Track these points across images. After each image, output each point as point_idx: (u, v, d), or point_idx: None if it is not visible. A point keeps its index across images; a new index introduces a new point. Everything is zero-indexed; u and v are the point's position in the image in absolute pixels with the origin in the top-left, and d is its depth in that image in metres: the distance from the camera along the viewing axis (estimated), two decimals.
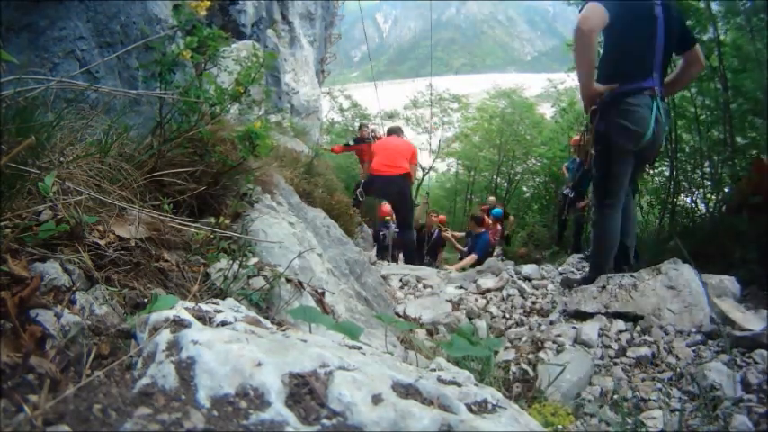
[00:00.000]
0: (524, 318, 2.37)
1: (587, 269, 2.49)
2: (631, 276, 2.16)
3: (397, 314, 2.29)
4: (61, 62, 1.55)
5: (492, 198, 10.13)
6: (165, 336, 0.55)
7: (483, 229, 6.17)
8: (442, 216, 8.25)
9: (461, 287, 2.87)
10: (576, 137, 5.93)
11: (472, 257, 5.38)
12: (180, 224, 1.07)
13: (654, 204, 5.91)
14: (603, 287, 2.18)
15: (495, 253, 6.37)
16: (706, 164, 4.92)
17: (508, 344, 2.02)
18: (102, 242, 0.85)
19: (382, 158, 4.53)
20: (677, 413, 1.34)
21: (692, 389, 1.48)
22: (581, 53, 2.10)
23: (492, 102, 14.96)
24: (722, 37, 4.57)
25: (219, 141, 1.50)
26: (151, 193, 1.22)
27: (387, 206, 5.62)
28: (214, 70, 1.49)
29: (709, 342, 1.74)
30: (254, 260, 1.32)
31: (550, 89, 11.51)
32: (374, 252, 5.45)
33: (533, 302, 2.55)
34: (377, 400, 0.48)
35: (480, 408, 0.57)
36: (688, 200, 5.19)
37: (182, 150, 1.38)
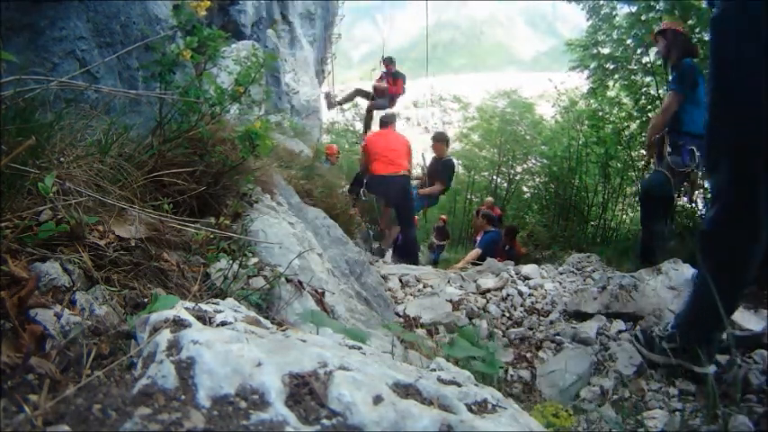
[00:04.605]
0: (524, 317, 2.37)
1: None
2: (632, 277, 2.16)
3: (397, 314, 2.29)
4: (61, 62, 1.55)
5: (489, 198, 10.10)
6: (164, 336, 0.55)
7: (492, 228, 6.18)
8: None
9: (461, 287, 2.87)
10: None
11: (476, 252, 5.36)
12: (180, 224, 1.06)
13: None
14: (604, 287, 2.18)
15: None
16: None
17: (508, 344, 2.02)
18: (101, 242, 0.85)
19: (383, 158, 4.51)
20: (677, 413, 1.34)
21: (692, 389, 1.48)
22: None
23: (492, 102, 14.94)
24: None
25: (219, 141, 1.50)
26: (151, 193, 1.22)
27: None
28: (214, 70, 1.48)
29: None
30: (254, 260, 1.32)
31: (550, 89, 11.47)
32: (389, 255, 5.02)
33: (533, 302, 2.56)
34: (377, 400, 0.48)
35: (480, 408, 0.57)
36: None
37: (182, 150, 1.38)
